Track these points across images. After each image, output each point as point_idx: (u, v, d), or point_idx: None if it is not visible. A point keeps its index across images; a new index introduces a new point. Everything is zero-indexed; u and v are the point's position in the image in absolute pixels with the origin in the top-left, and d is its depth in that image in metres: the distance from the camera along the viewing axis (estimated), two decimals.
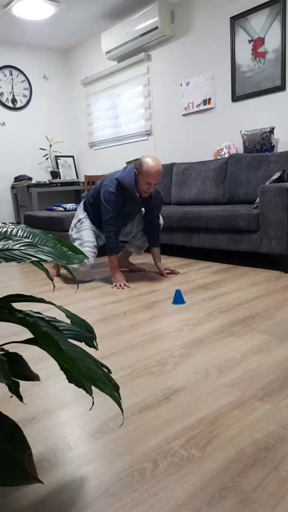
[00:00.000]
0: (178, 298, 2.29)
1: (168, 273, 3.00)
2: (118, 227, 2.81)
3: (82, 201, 3.06)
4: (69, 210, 4.19)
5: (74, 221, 3.02)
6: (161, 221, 3.11)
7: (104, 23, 4.96)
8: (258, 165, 3.48)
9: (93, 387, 1.42)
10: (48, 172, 5.94)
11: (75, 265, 2.83)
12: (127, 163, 4.77)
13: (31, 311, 0.84)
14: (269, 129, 3.56)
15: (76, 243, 2.91)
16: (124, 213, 2.86)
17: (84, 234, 2.91)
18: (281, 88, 3.57)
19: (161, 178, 2.67)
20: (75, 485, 0.95)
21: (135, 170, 2.73)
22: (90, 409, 1.27)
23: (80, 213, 3.00)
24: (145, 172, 2.63)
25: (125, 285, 2.74)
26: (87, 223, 2.95)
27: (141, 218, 3.05)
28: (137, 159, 4.64)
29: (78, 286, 2.41)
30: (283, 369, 1.46)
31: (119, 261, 3.21)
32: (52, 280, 0.84)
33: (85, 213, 2.98)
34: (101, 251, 3.58)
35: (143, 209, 3.04)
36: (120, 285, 2.73)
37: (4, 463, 0.73)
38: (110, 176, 2.79)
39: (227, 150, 3.92)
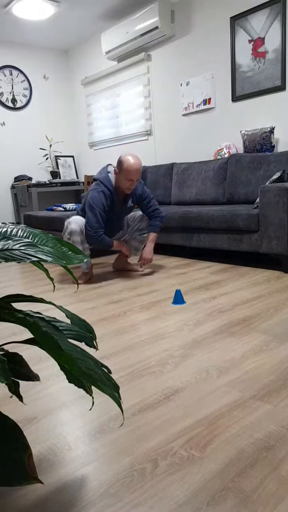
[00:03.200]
0: (178, 298, 2.29)
1: (141, 263, 2.99)
2: (106, 231, 2.84)
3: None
4: (69, 210, 4.19)
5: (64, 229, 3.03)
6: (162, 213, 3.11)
7: (104, 23, 4.96)
8: (258, 165, 3.48)
9: (93, 387, 1.42)
10: (48, 172, 5.94)
11: (68, 237, 2.83)
12: None
13: (31, 311, 0.84)
14: (269, 129, 3.56)
15: (66, 223, 2.88)
16: (112, 218, 2.87)
17: (71, 220, 2.91)
18: (281, 88, 3.57)
19: (141, 174, 2.78)
20: (75, 485, 0.95)
21: (115, 169, 2.77)
22: (90, 409, 1.27)
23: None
24: (125, 170, 2.68)
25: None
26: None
27: (132, 221, 3.07)
28: None
29: (78, 286, 2.41)
30: (283, 369, 1.46)
31: (118, 263, 3.22)
32: (52, 280, 0.84)
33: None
34: (101, 251, 3.58)
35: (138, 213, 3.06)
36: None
37: (4, 463, 0.73)
38: (92, 186, 2.82)
39: (227, 150, 3.92)
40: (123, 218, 3.01)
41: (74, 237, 2.80)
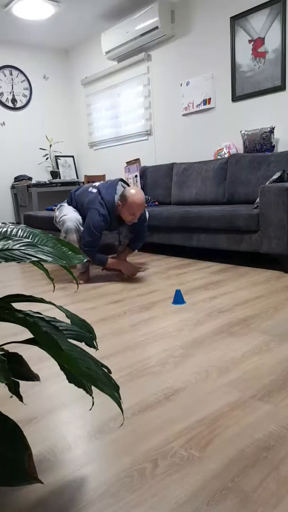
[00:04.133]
0: (178, 298, 2.29)
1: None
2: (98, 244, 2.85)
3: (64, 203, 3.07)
4: None
5: (55, 214, 3.04)
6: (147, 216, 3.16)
7: (104, 23, 4.96)
8: (258, 165, 3.48)
9: (93, 387, 1.42)
10: (48, 172, 5.94)
11: (65, 235, 2.85)
12: (127, 163, 4.77)
13: (31, 311, 0.84)
14: (269, 129, 3.56)
15: (61, 219, 2.87)
16: (110, 228, 2.92)
17: (64, 210, 2.92)
18: (281, 88, 3.57)
19: (144, 208, 2.82)
20: (75, 485, 0.95)
21: (118, 202, 2.77)
22: (90, 409, 1.27)
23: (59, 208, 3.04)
24: (129, 205, 2.71)
25: (137, 270, 2.85)
26: (66, 206, 3.00)
27: (128, 228, 3.12)
28: (137, 159, 4.65)
29: (78, 286, 2.40)
30: (283, 369, 1.46)
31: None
32: (52, 280, 0.84)
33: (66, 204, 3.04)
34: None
35: None
36: (131, 274, 2.85)
37: (4, 463, 0.73)
38: (95, 199, 2.80)
39: (227, 150, 3.92)
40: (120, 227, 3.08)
41: (70, 236, 2.81)
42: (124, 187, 2.88)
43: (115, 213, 2.80)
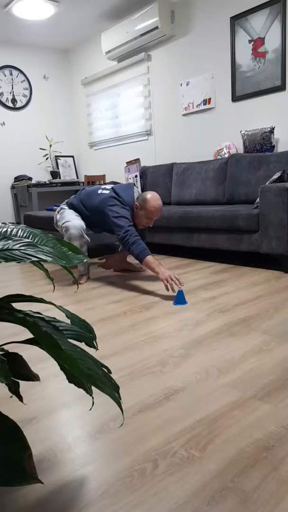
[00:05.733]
0: (181, 299, 2.28)
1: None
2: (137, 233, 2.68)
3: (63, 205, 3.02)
4: None
5: (55, 218, 3.01)
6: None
7: (104, 23, 4.96)
8: (258, 165, 3.48)
9: (93, 387, 1.42)
10: (48, 172, 5.94)
11: (68, 231, 2.80)
12: (127, 163, 4.77)
13: (31, 311, 0.84)
14: (269, 129, 3.56)
15: (64, 226, 2.83)
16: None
17: (67, 216, 2.88)
18: (281, 88, 3.57)
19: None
20: (75, 485, 0.95)
21: (136, 204, 2.73)
22: (90, 409, 1.27)
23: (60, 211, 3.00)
24: (149, 209, 2.66)
25: (176, 278, 2.38)
26: (67, 210, 2.96)
27: None
28: (137, 159, 4.65)
29: (78, 286, 2.41)
30: (283, 369, 1.46)
31: (118, 263, 3.20)
32: (52, 280, 0.84)
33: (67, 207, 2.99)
34: (101, 251, 3.58)
35: None
36: (171, 280, 2.37)
37: (4, 463, 0.73)
38: (113, 198, 2.73)
39: (227, 150, 3.92)
40: None
41: (75, 242, 2.79)
42: (138, 192, 2.86)
43: (132, 215, 2.75)
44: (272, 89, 3.62)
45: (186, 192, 4.04)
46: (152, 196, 2.68)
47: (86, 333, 0.88)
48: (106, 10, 4.60)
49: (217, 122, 4.16)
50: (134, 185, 2.90)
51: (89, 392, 0.86)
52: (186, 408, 1.24)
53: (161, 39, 4.44)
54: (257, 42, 3.66)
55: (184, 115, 4.49)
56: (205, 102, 4.23)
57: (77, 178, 6.07)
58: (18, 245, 0.78)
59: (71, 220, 2.83)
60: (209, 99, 4.18)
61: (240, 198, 3.59)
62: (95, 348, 0.88)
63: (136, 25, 4.41)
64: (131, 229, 2.59)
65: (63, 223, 2.85)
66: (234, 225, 3.03)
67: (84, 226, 2.85)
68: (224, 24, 3.92)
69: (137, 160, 4.65)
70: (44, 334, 0.72)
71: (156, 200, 2.68)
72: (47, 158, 5.85)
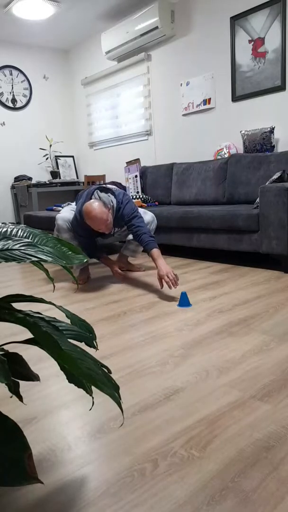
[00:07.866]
0: (184, 301, 2.26)
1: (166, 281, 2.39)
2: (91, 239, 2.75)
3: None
4: None
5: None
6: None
7: (104, 23, 4.96)
8: (258, 165, 3.48)
9: (93, 387, 1.42)
10: (48, 172, 5.94)
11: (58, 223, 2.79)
12: (127, 163, 4.77)
13: (31, 311, 0.84)
14: (269, 129, 3.56)
15: (56, 217, 2.82)
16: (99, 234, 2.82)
17: (64, 209, 2.87)
18: (281, 88, 3.57)
19: (103, 222, 2.50)
20: (75, 485, 0.95)
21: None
22: (90, 409, 1.27)
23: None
24: (88, 222, 2.52)
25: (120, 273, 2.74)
26: (66, 208, 2.95)
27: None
28: (137, 159, 4.65)
29: (78, 286, 2.41)
30: (283, 369, 1.46)
31: (123, 265, 3.19)
32: (52, 280, 0.84)
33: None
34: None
35: None
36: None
37: (4, 463, 0.73)
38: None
39: (227, 150, 3.92)
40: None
41: (64, 235, 2.78)
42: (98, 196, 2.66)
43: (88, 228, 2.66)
44: (272, 89, 3.62)
45: (186, 192, 4.04)
46: (86, 208, 2.50)
47: (86, 333, 0.88)
48: (106, 10, 4.60)
49: (217, 122, 4.16)
50: (125, 190, 2.88)
51: (89, 392, 0.86)
52: (186, 408, 1.24)
53: (161, 39, 4.44)
54: (257, 42, 3.66)
55: (184, 115, 4.49)
56: (205, 102, 4.23)
57: (77, 178, 6.07)
58: (18, 245, 0.78)
59: (61, 212, 2.84)
60: (209, 99, 4.18)
61: (240, 198, 3.59)
62: (95, 348, 0.88)
63: (136, 25, 4.41)
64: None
65: (56, 216, 2.86)
66: (234, 225, 3.03)
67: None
68: (224, 24, 3.92)
69: (137, 160, 4.65)
70: (44, 334, 0.72)
71: (89, 212, 2.47)
72: (47, 158, 5.85)
